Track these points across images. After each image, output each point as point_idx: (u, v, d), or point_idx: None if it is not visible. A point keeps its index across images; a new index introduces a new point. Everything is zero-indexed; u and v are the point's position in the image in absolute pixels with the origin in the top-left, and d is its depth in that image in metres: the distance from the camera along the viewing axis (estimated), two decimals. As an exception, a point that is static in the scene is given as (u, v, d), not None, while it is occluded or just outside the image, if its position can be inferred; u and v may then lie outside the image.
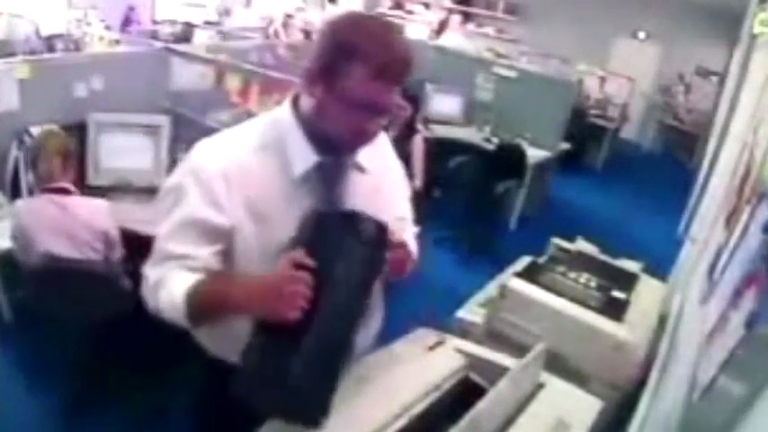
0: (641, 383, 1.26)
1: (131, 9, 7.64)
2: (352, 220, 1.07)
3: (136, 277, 2.48)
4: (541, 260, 1.74)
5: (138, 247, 2.57)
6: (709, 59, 8.15)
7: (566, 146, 5.40)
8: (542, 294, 1.45)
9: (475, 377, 1.32)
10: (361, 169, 1.24)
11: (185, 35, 6.15)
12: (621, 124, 7.99)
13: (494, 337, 1.47)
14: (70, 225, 2.25)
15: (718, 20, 7.11)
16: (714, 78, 8.06)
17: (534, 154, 4.84)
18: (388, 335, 1.42)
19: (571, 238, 1.92)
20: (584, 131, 7.00)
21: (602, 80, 7.71)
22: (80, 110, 2.86)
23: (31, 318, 2.65)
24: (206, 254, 1.15)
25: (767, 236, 0.87)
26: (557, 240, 1.89)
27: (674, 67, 8.70)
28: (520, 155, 4.64)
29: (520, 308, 1.44)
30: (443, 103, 5.27)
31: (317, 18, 7.70)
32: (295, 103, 1.18)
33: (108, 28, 5.91)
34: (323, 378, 1.02)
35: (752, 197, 1.12)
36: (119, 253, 2.40)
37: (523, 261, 1.75)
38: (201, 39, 5.74)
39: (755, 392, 0.66)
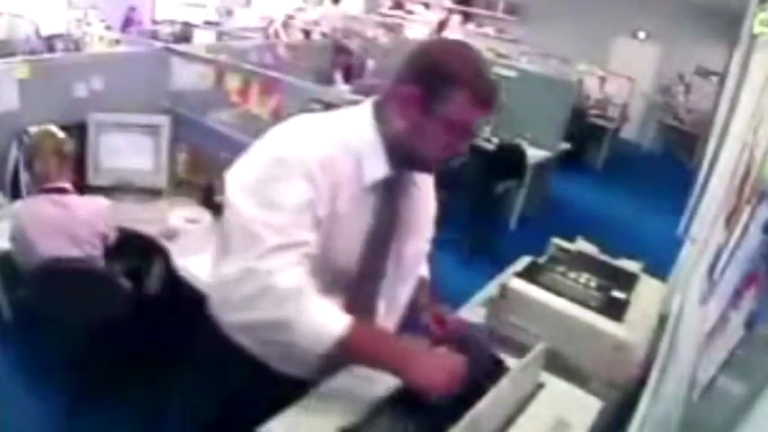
0: (641, 383, 1.26)
1: (132, 9, 7.65)
2: (497, 366, 1.25)
3: (136, 277, 2.50)
4: (541, 260, 1.73)
5: (138, 247, 2.58)
6: (709, 59, 8.15)
7: (566, 146, 5.40)
8: (542, 294, 1.45)
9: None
10: (415, 184, 1.29)
11: (185, 35, 6.15)
12: (621, 124, 8.00)
13: (494, 337, 1.47)
14: (70, 224, 2.25)
15: (718, 20, 7.11)
16: (714, 78, 8.06)
17: (534, 154, 4.85)
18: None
19: (571, 238, 1.92)
20: (584, 131, 7.00)
21: (602, 80, 7.71)
22: (80, 110, 2.86)
23: (31, 318, 2.65)
24: (314, 241, 1.14)
25: (767, 236, 0.87)
26: (557, 240, 1.88)
27: (674, 67, 8.71)
28: (520, 155, 4.64)
29: (520, 308, 1.44)
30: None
31: (316, 17, 7.71)
32: (377, 113, 1.20)
33: (109, 28, 5.91)
34: None
35: (752, 197, 1.11)
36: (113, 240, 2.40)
37: (523, 261, 1.75)
38: (202, 39, 5.73)
39: (755, 392, 0.66)
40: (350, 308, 1.19)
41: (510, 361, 1.28)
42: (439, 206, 1.41)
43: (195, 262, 2.33)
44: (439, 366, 1.12)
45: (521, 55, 7.96)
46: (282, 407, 1.13)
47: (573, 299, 1.44)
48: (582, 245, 1.90)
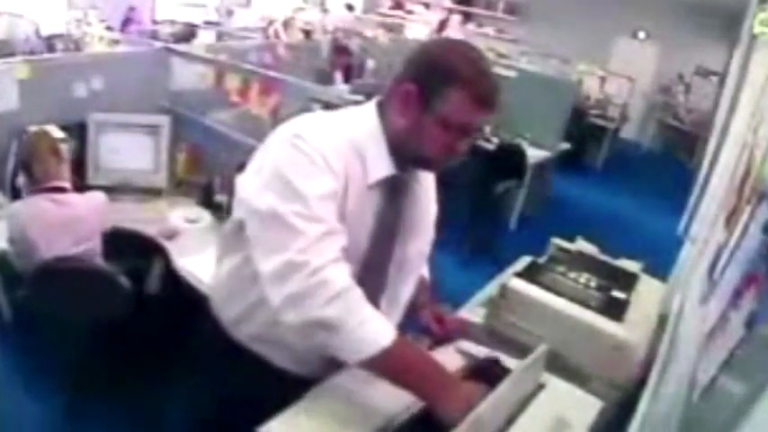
0: (641, 383, 1.26)
1: (131, 9, 7.64)
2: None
3: (136, 277, 2.51)
4: (541, 260, 1.73)
5: (138, 246, 2.58)
6: (709, 59, 8.15)
7: (566, 146, 5.40)
8: (542, 294, 1.44)
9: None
10: (418, 184, 1.29)
11: (185, 36, 6.15)
12: (621, 124, 8.00)
13: (494, 337, 1.47)
14: (73, 223, 2.25)
15: (718, 20, 7.11)
16: (714, 78, 8.06)
17: (534, 154, 4.85)
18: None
19: (571, 238, 1.92)
20: (584, 131, 7.00)
21: (602, 80, 7.71)
22: (80, 110, 2.86)
23: (31, 318, 2.65)
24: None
25: (767, 236, 0.87)
26: (557, 240, 1.88)
27: (674, 67, 8.71)
28: (520, 155, 4.64)
29: (520, 308, 1.44)
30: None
31: (318, 18, 7.71)
32: (380, 112, 1.20)
33: (109, 28, 5.91)
34: None
35: (752, 197, 1.11)
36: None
37: (523, 261, 1.74)
38: (205, 39, 5.73)
39: (755, 392, 0.66)
40: None
41: (510, 361, 1.28)
42: (439, 207, 1.41)
43: (195, 261, 2.33)
44: (471, 401, 1.04)
45: (521, 55, 7.97)
46: (282, 407, 1.13)
47: (573, 299, 1.44)
48: (582, 245, 1.89)
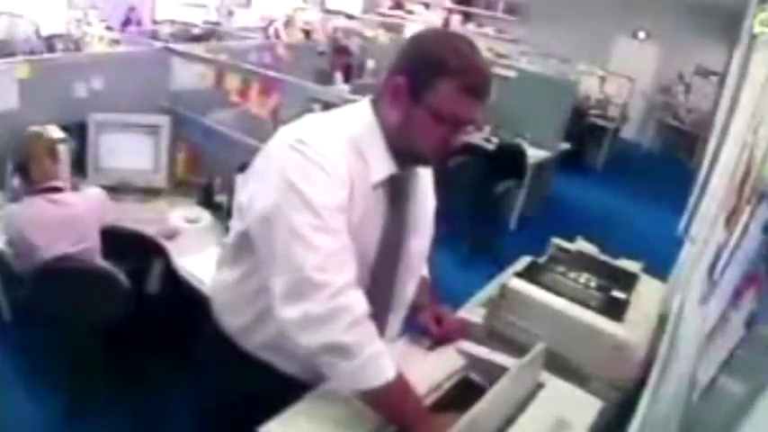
0: (641, 383, 1.26)
1: (131, 9, 7.64)
2: None
3: (136, 277, 2.50)
4: (541, 260, 1.73)
5: (138, 246, 2.58)
6: (709, 59, 8.15)
7: (566, 146, 5.40)
8: (542, 294, 1.44)
9: (475, 377, 1.32)
10: (416, 176, 1.28)
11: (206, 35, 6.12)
12: (621, 124, 8.00)
13: (494, 337, 1.46)
14: (72, 222, 2.25)
15: (718, 20, 7.11)
16: (714, 78, 8.06)
17: (534, 154, 4.85)
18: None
19: (571, 238, 1.92)
20: (584, 131, 7.00)
21: (603, 80, 7.71)
22: (80, 110, 2.86)
23: (31, 318, 2.65)
24: None
25: (767, 236, 0.87)
26: (557, 240, 1.88)
27: (674, 67, 8.71)
28: (520, 155, 4.64)
29: (520, 308, 1.44)
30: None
31: (317, 18, 7.71)
32: (375, 109, 1.18)
33: (109, 28, 5.90)
34: None
35: (752, 197, 1.12)
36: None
37: (523, 261, 1.74)
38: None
39: (755, 392, 0.66)
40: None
41: (510, 361, 1.28)
42: (437, 204, 1.40)
43: (195, 261, 2.33)
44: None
45: (521, 55, 7.96)
46: (283, 407, 1.13)
47: (573, 299, 1.44)
48: (582, 245, 1.89)
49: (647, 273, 1.75)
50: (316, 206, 1.04)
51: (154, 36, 5.93)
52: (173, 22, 6.89)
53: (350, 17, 8.49)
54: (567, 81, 5.66)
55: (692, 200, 2.46)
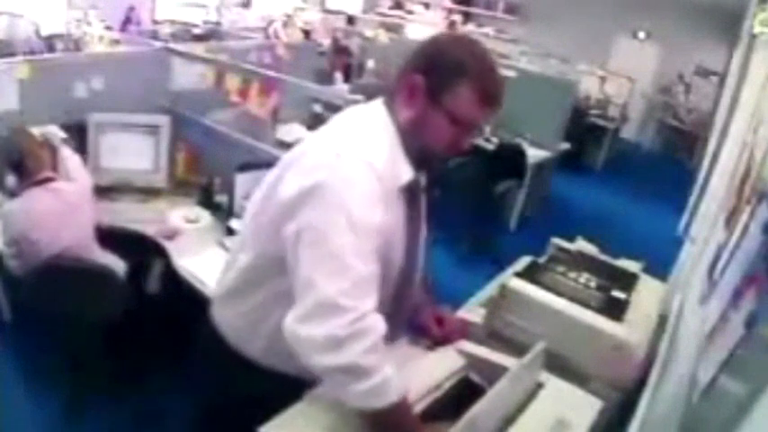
0: (641, 383, 1.26)
1: (131, 9, 7.64)
2: None
3: (136, 277, 2.50)
4: (541, 260, 1.73)
5: (138, 246, 2.58)
6: (709, 59, 8.15)
7: (566, 146, 5.40)
8: (542, 294, 1.44)
9: (475, 377, 1.32)
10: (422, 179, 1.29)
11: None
12: (621, 124, 8.00)
13: (494, 337, 1.46)
14: (69, 210, 2.26)
15: (718, 20, 7.11)
16: (714, 78, 8.06)
17: (534, 154, 4.84)
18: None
19: (571, 238, 1.92)
20: (584, 131, 7.00)
21: (602, 80, 7.71)
22: (80, 110, 2.86)
23: (31, 318, 2.65)
24: None
25: (767, 236, 0.87)
26: (557, 240, 1.88)
27: (674, 67, 8.71)
28: (520, 155, 4.64)
29: (520, 308, 1.44)
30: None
31: (317, 18, 7.71)
32: (390, 111, 1.17)
33: (109, 28, 5.90)
34: None
35: (752, 197, 1.12)
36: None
37: (523, 261, 1.74)
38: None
39: (755, 392, 0.67)
40: (389, 316, 1.11)
41: (510, 361, 1.28)
42: (437, 205, 1.41)
43: (195, 261, 2.33)
44: None
45: (521, 55, 7.95)
46: (282, 407, 1.13)
47: (573, 299, 1.44)
48: (582, 245, 1.89)
49: (647, 273, 1.74)
50: (357, 227, 1.03)
51: (154, 36, 5.93)
52: (173, 22, 6.89)
53: (350, 20, 8.49)
54: (567, 81, 5.65)
55: (692, 200, 2.47)
